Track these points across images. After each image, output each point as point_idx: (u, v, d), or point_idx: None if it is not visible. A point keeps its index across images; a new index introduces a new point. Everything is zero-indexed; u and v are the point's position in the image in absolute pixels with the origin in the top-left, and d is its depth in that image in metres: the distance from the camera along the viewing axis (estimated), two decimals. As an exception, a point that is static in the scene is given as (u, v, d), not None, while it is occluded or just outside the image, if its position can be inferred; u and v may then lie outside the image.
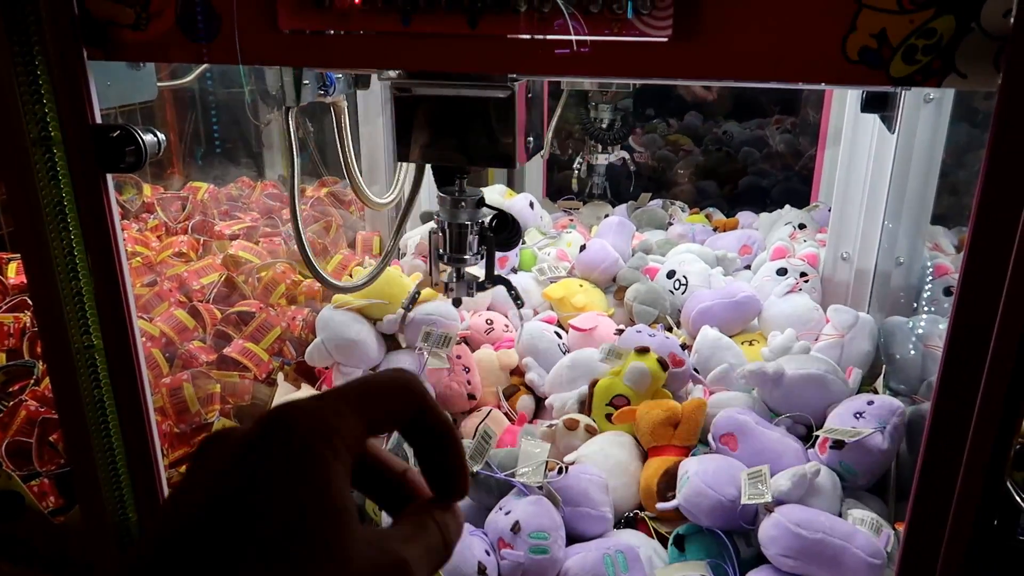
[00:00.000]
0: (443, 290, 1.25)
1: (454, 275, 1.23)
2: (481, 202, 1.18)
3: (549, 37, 0.79)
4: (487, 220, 1.20)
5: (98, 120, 1.00)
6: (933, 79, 0.72)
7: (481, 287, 1.25)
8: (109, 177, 1.05)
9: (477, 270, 1.25)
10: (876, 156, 1.64)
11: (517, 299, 1.43)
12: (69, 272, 1.13)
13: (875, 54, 0.72)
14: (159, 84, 2.72)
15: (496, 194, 2.27)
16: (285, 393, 1.58)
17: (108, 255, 1.09)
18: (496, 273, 1.25)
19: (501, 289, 1.90)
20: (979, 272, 0.75)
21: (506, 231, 1.20)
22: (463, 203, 1.15)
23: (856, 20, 0.72)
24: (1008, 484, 1.34)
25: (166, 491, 1.27)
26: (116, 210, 1.08)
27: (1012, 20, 0.67)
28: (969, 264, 0.75)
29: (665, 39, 0.77)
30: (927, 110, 1.55)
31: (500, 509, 1.21)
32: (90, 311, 1.14)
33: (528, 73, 0.90)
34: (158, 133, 1.03)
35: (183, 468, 1.48)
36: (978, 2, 0.68)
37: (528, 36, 0.80)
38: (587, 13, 0.79)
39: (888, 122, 1.31)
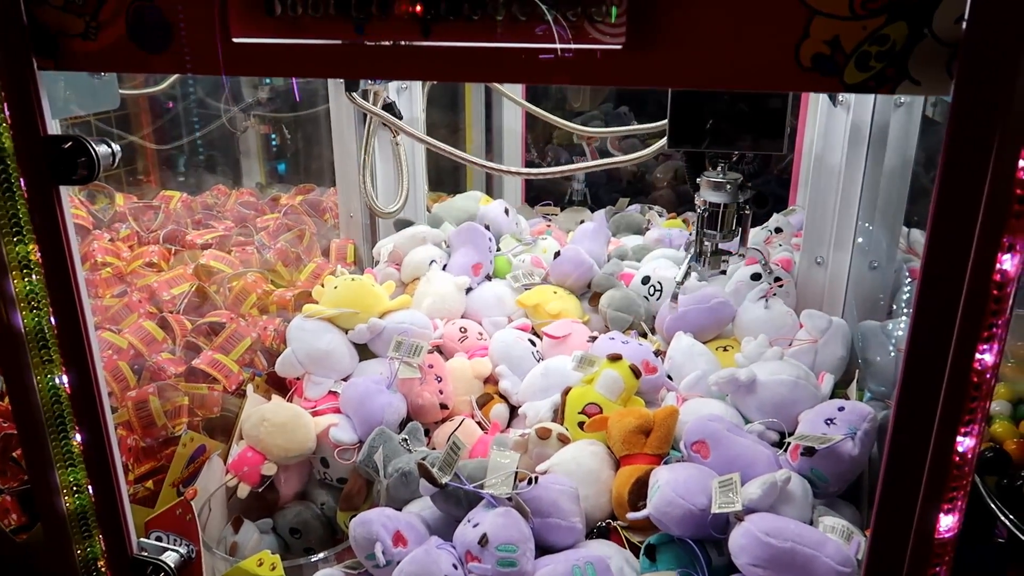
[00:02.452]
0: (703, 265, 1.44)
1: (709, 250, 1.40)
2: (741, 186, 1.32)
3: (502, 45, 0.78)
4: (743, 200, 1.33)
5: (50, 131, 0.99)
6: (887, 86, 0.71)
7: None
8: (64, 189, 1.02)
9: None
10: (848, 160, 1.64)
11: (766, 266, 1.62)
12: (25, 286, 1.11)
13: (829, 60, 0.72)
14: (135, 92, 2.70)
15: (472, 200, 2.26)
16: (255, 405, 1.56)
17: (63, 268, 1.07)
18: (752, 247, 1.45)
19: (476, 295, 1.89)
20: (937, 276, 0.74)
21: (764, 208, 1.33)
22: (727, 186, 1.29)
23: (809, 27, 0.71)
24: (980, 487, 1.34)
25: (128, 505, 1.24)
26: (71, 222, 1.06)
27: (964, 26, 0.67)
28: (927, 269, 0.74)
29: (619, 46, 0.76)
30: (898, 114, 1.55)
31: (468, 522, 1.19)
32: (47, 325, 1.12)
33: (481, 80, 0.89)
34: (112, 144, 1.01)
35: (149, 483, 1.45)
36: (930, 8, 0.68)
37: (482, 44, 0.79)
38: (541, 21, 0.78)
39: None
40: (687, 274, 1.54)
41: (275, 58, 0.88)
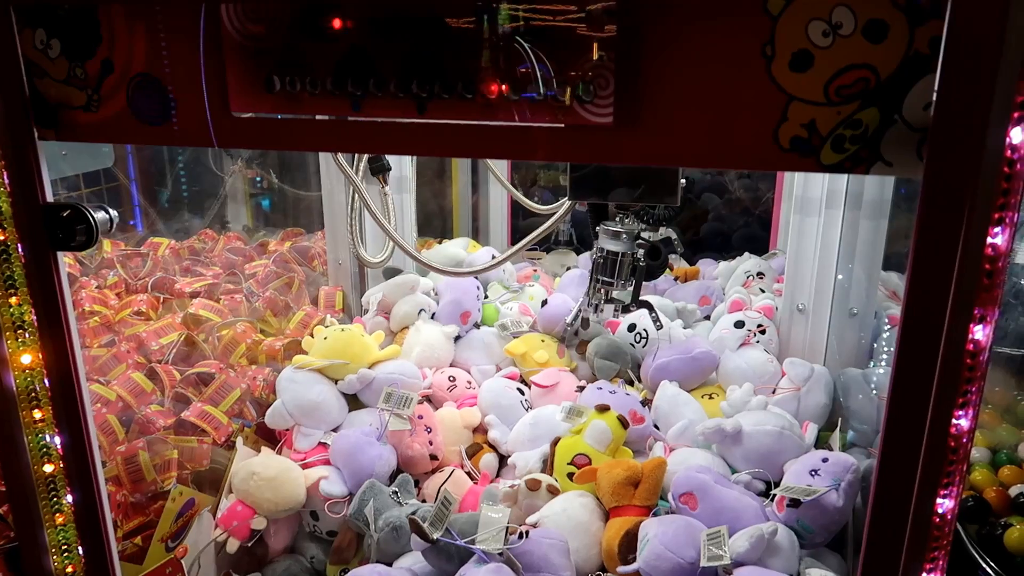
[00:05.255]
0: (595, 311, 1.45)
1: (603, 297, 1.41)
2: (638, 237, 1.36)
3: (495, 124, 0.81)
4: (639, 251, 1.37)
5: (49, 199, 1.00)
6: (861, 166, 0.75)
7: (626, 309, 1.45)
8: (60, 255, 1.04)
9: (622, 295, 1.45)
10: (827, 207, 1.68)
11: (656, 321, 1.59)
12: (19, 346, 1.11)
13: (806, 143, 0.75)
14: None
15: (459, 247, 2.28)
16: (244, 457, 1.56)
17: (58, 331, 1.08)
18: (640, 298, 1.45)
19: (465, 343, 1.91)
20: (913, 347, 0.77)
21: (657, 260, 1.38)
22: (623, 236, 1.34)
23: (787, 111, 0.75)
24: (962, 535, 1.36)
25: (118, 566, 1.24)
26: (67, 286, 1.07)
27: (932, 112, 0.71)
28: (904, 341, 0.77)
29: (607, 126, 0.79)
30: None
31: (460, 578, 1.20)
32: (40, 385, 1.13)
33: (477, 156, 0.92)
34: (110, 210, 1.03)
35: (138, 539, 1.45)
36: (899, 96, 0.72)
37: (475, 122, 0.82)
38: (532, 100, 0.81)
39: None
40: (576, 316, 1.60)
41: (274, 132, 0.91)
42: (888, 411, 0.79)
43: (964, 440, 0.80)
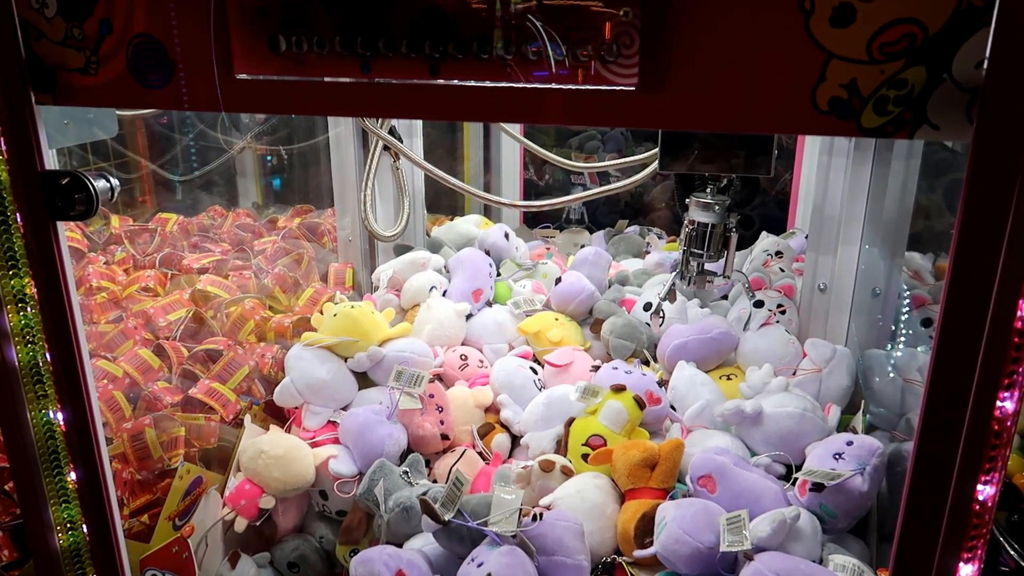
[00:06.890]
0: (687, 283, 1.43)
1: (695, 270, 1.40)
2: (731, 207, 1.34)
3: (512, 85, 0.77)
4: (731, 222, 1.35)
5: (48, 166, 0.97)
6: (905, 130, 0.70)
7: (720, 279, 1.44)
8: (60, 224, 1.00)
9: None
10: (851, 185, 1.63)
11: (751, 295, 1.59)
12: (20, 319, 1.08)
13: (845, 104, 0.70)
14: (129, 112, 2.68)
15: (472, 224, 2.24)
16: (252, 435, 1.53)
17: (59, 304, 1.05)
18: (736, 269, 1.44)
19: (477, 321, 1.87)
20: (957, 323, 0.73)
21: (750, 231, 1.39)
22: (715, 207, 1.31)
23: (826, 70, 0.70)
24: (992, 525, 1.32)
25: (123, 544, 1.22)
26: (68, 257, 1.04)
27: (984, 71, 0.66)
28: (947, 316, 0.73)
29: (632, 88, 0.75)
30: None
31: (472, 560, 1.17)
32: (42, 360, 1.10)
33: (490, 120, 0.88)
34: (111, 178, 0.99)
35: (145, 517, 1.42)
36: (949, 53, 0.67)
37: (491, 84, 0.78)
38: (552, 61, 0.76)
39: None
40: (671, 291, 1.53)
41: (279, 95, 0.86)
42: (928, 391, 0.74)
43: (1008, 423, 0.75)
